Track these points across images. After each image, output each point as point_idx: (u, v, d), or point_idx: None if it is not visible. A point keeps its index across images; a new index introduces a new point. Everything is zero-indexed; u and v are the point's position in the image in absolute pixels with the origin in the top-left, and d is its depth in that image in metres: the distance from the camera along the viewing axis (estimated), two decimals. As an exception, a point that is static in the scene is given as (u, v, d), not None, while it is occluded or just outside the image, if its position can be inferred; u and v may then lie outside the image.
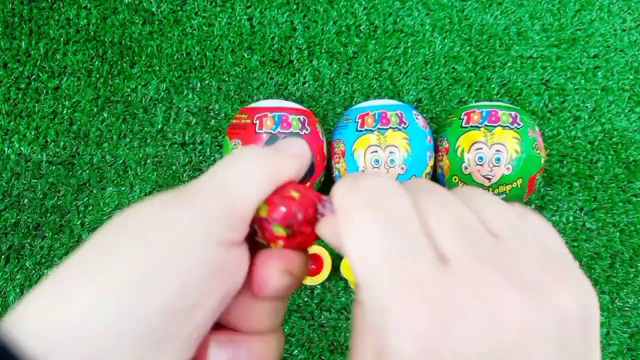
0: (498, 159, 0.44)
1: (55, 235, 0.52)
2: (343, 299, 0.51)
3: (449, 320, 0.13)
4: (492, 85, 0.54)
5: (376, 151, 0.45)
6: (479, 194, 0.17)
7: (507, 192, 0.45)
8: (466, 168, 0.45)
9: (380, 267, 0.14)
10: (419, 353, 0.13)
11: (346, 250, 0.15)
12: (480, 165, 0.44)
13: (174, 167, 0.53)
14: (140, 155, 0.53)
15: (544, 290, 0.13)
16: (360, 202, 0.15)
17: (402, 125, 0.45)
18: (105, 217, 0.53)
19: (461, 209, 0.15)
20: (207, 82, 0.55)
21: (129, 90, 0.54)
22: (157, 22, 0.55)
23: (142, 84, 0.55)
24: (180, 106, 0.54)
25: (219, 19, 0.56)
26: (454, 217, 0.15)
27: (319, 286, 0.51)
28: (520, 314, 0.13)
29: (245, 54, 0.55)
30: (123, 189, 0.53)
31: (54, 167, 0.53)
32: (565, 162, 0.53)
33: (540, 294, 0.13)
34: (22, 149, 0.54)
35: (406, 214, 0.15)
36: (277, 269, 0.18)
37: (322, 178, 0.48)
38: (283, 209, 0.17)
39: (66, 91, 0.54)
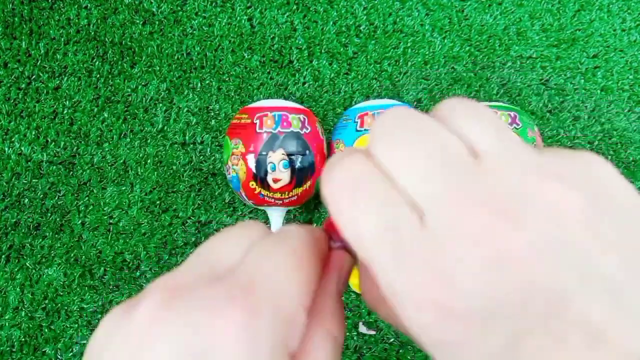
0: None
1: (56, 235, 0.52)
2: (343, 298, 0.51)
3: (451, 276, 0.12)
4: (492, 86, 0.54)
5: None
6: (460, 108, 0.15)
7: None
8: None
9: (370, 245, 0.14)
10: (436, 319, 0.13)
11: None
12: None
13: (174, 167, 0.53)
14: (141, 155, 0.54)
15: (533, 201, 0.13)
16: (339, 189, 0.15)
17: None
18: (105, 217, 0.53)
19: (431, 143, 0.14)
20: (207, 82, 0.55)
21: (129, 90, 0.55)
22: (157, 22, 0.56)
23: (143, 84, 0.55)
24: (180, 106, 0.54)
25: (219, 19, 0.56)
26: (421, 162, 0.14)
27: (319, 286, 0.51)
28: (517, 240, 0.12)
29: (246, 54, 0.55)
30: (123, 188, 0.53)
31: (55, 166, 0.53)
32: (564, 162, 0.54)
33: (528, 208, 0.12)
34: (22, 148, 0.54)
35: (374, 184, 0.14)
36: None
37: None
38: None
39: (67, 91, 0.55)
